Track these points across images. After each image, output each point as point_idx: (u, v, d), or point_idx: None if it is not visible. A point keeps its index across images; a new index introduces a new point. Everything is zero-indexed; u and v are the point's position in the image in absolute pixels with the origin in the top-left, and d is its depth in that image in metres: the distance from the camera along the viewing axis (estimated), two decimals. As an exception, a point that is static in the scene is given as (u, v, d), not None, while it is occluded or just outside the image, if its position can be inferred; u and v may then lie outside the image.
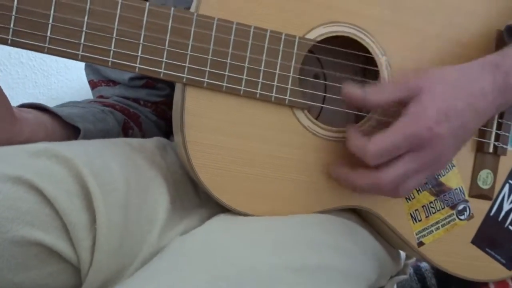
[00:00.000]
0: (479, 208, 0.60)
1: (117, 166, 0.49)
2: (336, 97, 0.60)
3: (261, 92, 0.52)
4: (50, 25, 0.46)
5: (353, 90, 0.50)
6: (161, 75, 0.49)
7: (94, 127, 0.62)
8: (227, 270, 0.42)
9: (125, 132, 0.70)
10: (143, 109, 0.75)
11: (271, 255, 0.45)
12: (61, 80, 1.41)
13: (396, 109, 0.54)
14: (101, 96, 0.74)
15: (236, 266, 0.43)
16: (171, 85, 0.54)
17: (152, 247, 0.49)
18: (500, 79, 0.51)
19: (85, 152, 0.49)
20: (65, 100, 1.48)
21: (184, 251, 0.46)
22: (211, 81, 0.50)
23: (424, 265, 0.83)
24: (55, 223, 0.44)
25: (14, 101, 1.54)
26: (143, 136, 0.73)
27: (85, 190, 0.45)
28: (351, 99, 0.51)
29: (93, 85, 0.76)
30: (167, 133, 0.77)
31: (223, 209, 0.53)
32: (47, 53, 0.46)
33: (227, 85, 0.51)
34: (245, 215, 0.53)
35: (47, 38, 0.46)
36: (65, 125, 0.60)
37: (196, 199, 0.57)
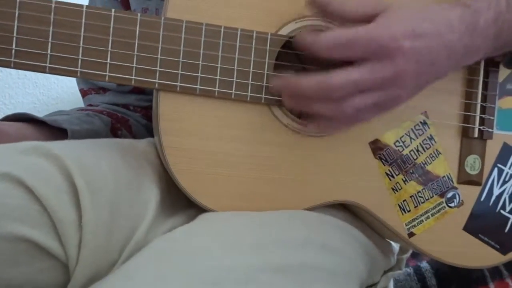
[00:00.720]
0: (469, 194, 0.59)
1: (107, 164, 0.49)
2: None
3: (236, 92, 0.51)
4: (15, 38, 0.45)
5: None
6: (133, 81, 0.48)
7: (81, 128, 0.62)
8: (204, 271, 0.42)
9: (114, 133, 0.70)
10: (132, 114, 0.75)
11: (250, 255, 0.44)
12: (61, 80, 1.40)
13: None
14: (90, 105, 0.75)
15: (213, 267, 0.42)
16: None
17: (138, 244, 0.48)
18: (468, 16, 0.49)
19: (75, 150, 0.48)
20: (65, 100, 1.48)
21: (163, 250, 0.45)
22: (184, 85, 0.50)
23: (424, 265, 0.83)
24: (43, 220, 0.44)
25: (14, 101, 1.53)
26: (134, 138, 0.72)
27: (74, 188, 0.45)
28: (314, 6, 0.48)
29: (83, 93, 0.76)
30: (157, 135, 0.77)
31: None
32: (14, 67, 0.45)
33: (200, 87, 0.50)
34: None
35: (13, 51, 0.45)
36: (50, 134, 0.61)
37: (185, 198, 0.56)
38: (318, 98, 0.47)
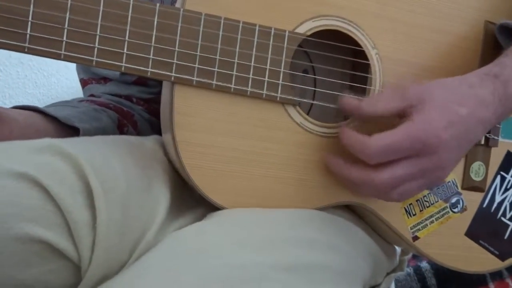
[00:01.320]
0: (472, 200, 0.60)
1: (118, 164, 0.49)
2: (326, 91, 0.60)
3: (251, 89, 0.50)
4: (29, 23, 0.44)
5: (349, 100, 0.50)
6: (149, 73, 0.47)
7: (90, 126, 0.61)
8: (216, 269, 0.42)
9: (121, 130, 0.69)
10: (136, 107, 0.74)
11: (261, 254, 0.44)
12: (61, 80, 1.40)
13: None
14: (92, 95, 0.73)
15: (225, 265, 0.42)
16: (162, 83, 0.52)
17: (149, 244, 0.48)
18: (500, 89, 0.50)
19: (87, 149, 0.48)
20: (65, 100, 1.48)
21: (175, 249, 0.45)
22: (201, 79, 0.49)
23: (424, 265, 0.83)
24: (57, 220, 0.43)
25: (14, 101, 1.54)
26: (138, 135, 0.71)
27: (87, 188, 0.45)
28: (346, 110, 0.51)
29: (84, 83, 0.75)
30: (160, 131, 0.76)
31: (218, 208, 0.52)
32: (28, 52, 0.44)
33: (217, 82, 0.49)
34: None
35: (27, 36, 0.44)
36: (59, 126, 0.60)
37: (192, 198, 0.56)
38: (365, 189, 0.50)
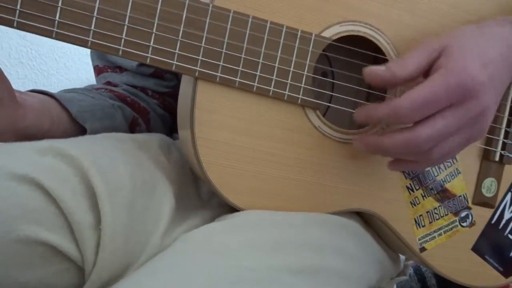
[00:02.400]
0: (481, 215, 0.60)
1: (123, 165, 0.48)
2: (343, 97, 0.60)
3: (274, 89, 0.50)
4: (59, 8, 0.43)
5: (376, 70, 0.46)
6: (173, 67, 0.47)
7: (101, 125, 0.60)
8: (227, 271, 0.42)
9: (132, 129, 0.68)
10: (151, 101, 0.73)
11: (271, 256, 0.45)
12: (61, 80, 1.39)
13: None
14: (108, 83, 0.72)
15: (235, 266, 0.42)
16: (178, 76, 0.52)
17: (155, 248, 0.48)
18: None
19: (91, 151, 0.47)
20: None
21: (186, 250, 0.45)
22: (224, 76, 0.49)
23: (424, 265, 0.84)
24: (60, 222, 0.43)
25: None
26: (149, 132, 0.71)
27: (90, 190, 0.44)
28: (377, 81, 0.47)
29: (98, 71, 0.74)
30: (172, 128, 0.75)
31: (225, 210, 0.52)
32: (55, 38, 0.43)
33: (240, 80, 0.49)
34: None
35: (56, 22, 0.43)
36: (71, 116, 0.59)
37: (198, 200, 0.56)
38: (408, 153, 0.46)
